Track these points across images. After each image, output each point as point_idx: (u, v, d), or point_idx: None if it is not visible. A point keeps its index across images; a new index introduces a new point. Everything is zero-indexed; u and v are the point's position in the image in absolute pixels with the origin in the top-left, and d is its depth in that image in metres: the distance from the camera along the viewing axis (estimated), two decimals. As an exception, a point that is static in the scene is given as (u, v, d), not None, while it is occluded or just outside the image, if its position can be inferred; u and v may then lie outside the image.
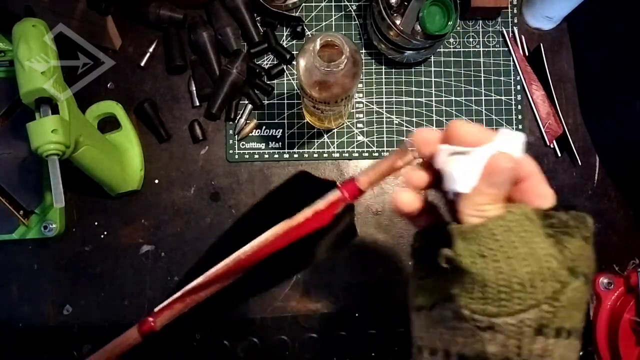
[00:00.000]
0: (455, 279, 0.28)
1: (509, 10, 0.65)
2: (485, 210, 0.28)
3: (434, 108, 0.65)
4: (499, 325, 0.26)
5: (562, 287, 0.26)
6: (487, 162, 0.28)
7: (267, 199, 0.37)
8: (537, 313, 0.26)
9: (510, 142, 0.29)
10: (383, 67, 0.65)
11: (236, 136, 0.64)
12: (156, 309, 0.35)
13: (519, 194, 0.30)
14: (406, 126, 0.64)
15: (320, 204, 0.33)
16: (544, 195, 0.30)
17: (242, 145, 0.64)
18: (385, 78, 0.65)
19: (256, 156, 0.64)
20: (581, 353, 0.62)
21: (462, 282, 0.27)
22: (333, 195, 0.33)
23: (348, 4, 0.65)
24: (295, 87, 0.65)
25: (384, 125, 0.64)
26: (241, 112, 0.64)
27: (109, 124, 0.64)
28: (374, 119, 0.64)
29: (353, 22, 0.65)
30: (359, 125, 0.64)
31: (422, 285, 0.32)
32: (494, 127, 0.64)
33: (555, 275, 0.26)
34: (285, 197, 0.36)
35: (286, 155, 0.64)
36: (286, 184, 0.36)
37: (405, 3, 0.57)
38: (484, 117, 0.64)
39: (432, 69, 0.65)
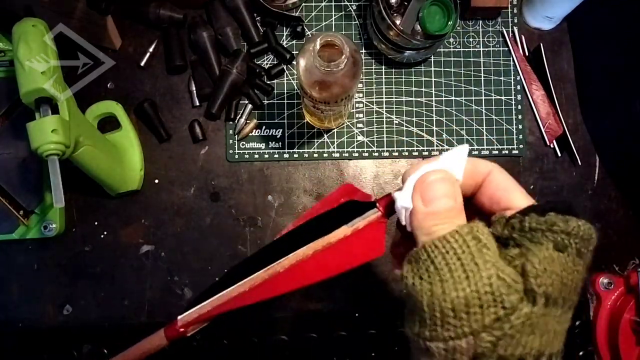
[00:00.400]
0: (406, 299, 0.28)
1: (509, 10, 0.65)
2: (434, 231, 0.26)
3: (434, 108, 0.65)
4: (432, 349, 0.25)
5: (508, 313, 0.24)
6: (415, 183, 0.28)
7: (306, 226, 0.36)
8: (470, 342, 0.24)
9: (451, 159, 0.28)
10: (383, 67, 0.65)
11: (236, 136, 0.64)
12: (183, 317, 0.35)
13: (487, 199, 0.29)
14: (406, 126, 0.64)
15: (360, 223, 0.31)
16: (516, 193, 0.28)
17: (242, 145, 0.64)
18: (385, 78, 0.65)
19: (256, 156, 0.64)
20: (581, 353, 0.62)
21: (408, 303, 0.27)
22: (373, 214, 0.31)
23: (348, 4, 0.65)
24: (295, 87, 0.65)
25: (384, 125, 0.64)
26: (241, 112, 0.64)
27: (109, 123, 0.64)
28: (374, 119, 0.64)
29: (353, 22, 0.65)
30: (359, 125, 0.64)
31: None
32: (494, 127, 0.64)
33: (498, 301, 0.24)
34: (324, 223, 0.34)
35: (286, 155, 0.64)
36: (328, 213, 0.35)
37: (405, 3, 0.57)
38: (483, 117, 0.64)
39: (432, 69, 0.65)
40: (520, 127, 0.64)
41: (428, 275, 0.25)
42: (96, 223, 0.63)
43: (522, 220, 0.26)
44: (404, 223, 0.29)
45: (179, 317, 0.35)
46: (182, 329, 0.35)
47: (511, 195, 0.28)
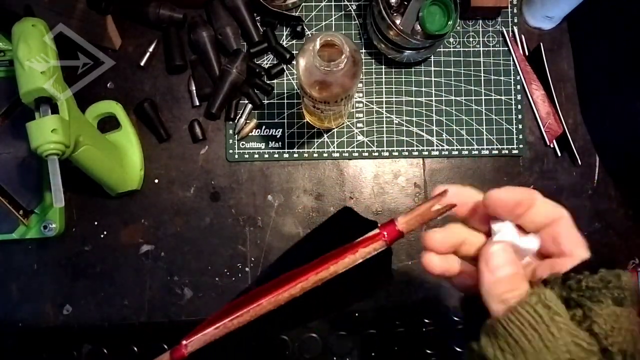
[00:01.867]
0: None
1: (509, 9, 0.65)
2: (507, 298, 0.27)
3: (434, 108, 0.64)
4: None
5: None
6: (483, 256, 0.28)
7: (309, 237, 0.36)
8: None
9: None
10: (383, 66, 0.65)
11: (236, 136, 0.64)
12: (189, 341, 0.35)
13: (548, 243, 0.30)
14: (406, 126, 0.64)
15: (359, 241, 0.32)
16: (577, 243, 0.29)
17: (242, 145, 0.64)
18: (385, 78, 0.65)
19: (256, 156, 0.64)
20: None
21: None
22: (372, 233, 0.32)
23: (348, 3, 0.65)
24: (295, 87, 0.65)
25: (384, 125, 0.64)
26: (241, 111, 0.64)
27: (108, 123, 0.64)
28: (374, 119, 0.64)
29: (353, 22, 0.65)
30: (359, 125, 0.64)
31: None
32: (494, 126, 0.64)
33: None
34: (326, 236, 0.35)
35: (286, 155, 0.64)
36: (328, 222, 0.35)
37: (405, 3, 0.57)
38: (483, 117, 0.64)
39: (432, 68, 0.65)
40: (520, 126, 0.64)
41: (509, 347, 0.26)
42: (96, 223, 0.63)
43: (579, 281, 0.27)
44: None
45: (185, 342, 0.35)
46: (184, 350, 0.35)
47: (571, 244, 0.29)
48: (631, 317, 0.26)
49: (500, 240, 0.29)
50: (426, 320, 0.62)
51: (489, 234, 0.31)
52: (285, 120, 0.64)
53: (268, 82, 0.64)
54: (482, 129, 0.64)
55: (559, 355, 0.25)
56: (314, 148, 0.64)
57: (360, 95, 0.65)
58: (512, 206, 0.29)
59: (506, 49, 0.65)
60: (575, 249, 0.29)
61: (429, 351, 0.62)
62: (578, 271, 0.27)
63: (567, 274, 0.28)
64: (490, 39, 0.65)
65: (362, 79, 0.65)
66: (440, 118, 0.64)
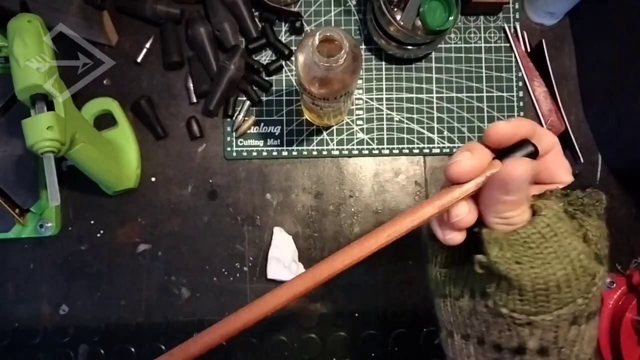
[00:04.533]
0: (488, 279, 0.29)
1: (511, 5, 0.65)
2: (510, 216, 0.28)
3: (434, 104, 0.64)
4: (537, 322, 0.28)
5: (593, 279, 0.28)
6: (501, 172, 0.28)
7: None
8: (572, 307, 0.28)
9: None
10: (383, 63, 0.64)
11: (234, 133, 0.63)
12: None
13: (541, 168, 0.31)
14: (406, 123, 0.64)
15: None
16: (564, 171, 0.32)
17: (240, 142, 0.63)
18: (385, 74, 0.64)
19: (254, 153, 0.63)
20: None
21: (497, 283, 0.28)
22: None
23: (347, -1, 0.64)
24: (294, 83, 0.64)
25: (384, 122, 0.64)
26: (239, 108, 0.63)
27: (105, 121, 0.63)
28: (374, 116, 0.64)
29: (353, 18, 0.65)
30: (359, 122, 0.64)
31: (444, 273, 0.33)
32: (495, 124, 0.64)
33: (586, 271, 0.28)
34: None
35: (285, 153, 0.63)
36: None
37: (406, -2, 0.57)
38: (485, 114, 0.64)
39: (433, 65, 0.64)
40: (521, 124, 0.64)
41: (528, 259, 0.27)
42: (92, 222, 0.62)
43: (578, 197, 0.30)
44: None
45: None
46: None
47: (559, 170, 0.32)
48: (603, 227, 0.30)
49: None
50: (426, 321, 0.61)
51: None
52: (284, 118, 0.64)
53: (266, 78, 0.64)
54: (484, 126, 0.64)
55: (575, 265, 0.27)
56: (313, 146, 0.63)
57: (360, 92, 0.64)
58: (512, 137, 0.30)
59: (508, 45, 0.64)
60: (565, 174, 0.32)
61: (428, 351, 0.61)
62: (573, 189, 0.31)
63: (568, 192, 0.31)
64: (492, 35, 0.65)
65: (362, 75, 0.64)
66: (441, 115, 0.64)
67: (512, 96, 0.64)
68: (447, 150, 0.63)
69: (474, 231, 0.30)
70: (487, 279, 0.29)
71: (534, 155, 0.30)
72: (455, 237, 0.30)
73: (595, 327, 0.30)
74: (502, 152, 0.30)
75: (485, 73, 0.64)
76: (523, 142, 0.30)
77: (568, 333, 0.28)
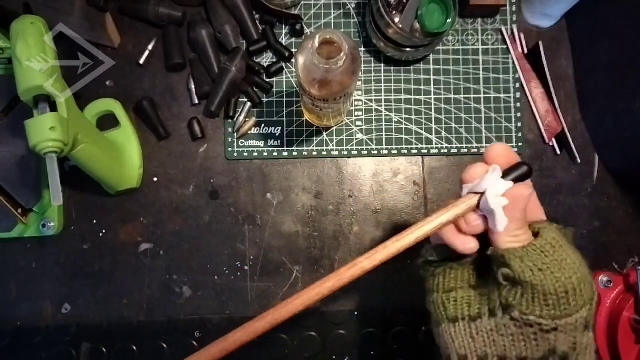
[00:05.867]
0: (509, 291, 0.33)
1: (508, 8, 0.65)
2: (518, 235, 0.33)
3: (432, 106, 0.64)
4: (562, 326, 0.31)
5: (592, 287, 0.32)
6: (511, 195, 0.33)
7: None
8: (585, 312, 0.32)
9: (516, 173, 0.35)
10: (382, 65, 0.65)
11: (235, 134, 0.64)
12: None
13: (527, 209, 0.35)
14: (405, 124, 0.64)
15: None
16: (541, 211, 0.37)
17: (241, 143, 0.64)
18: (384, 76, 0.65)
19: (255, 154, 0.64)
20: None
21: (520, 293, 0.32)
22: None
23: (347, 1, 0.65)
24: (295, 85, 0.65)
25: (383, 123, 0.64)
26: (240, 110, 0.64)
27: (107, 121, 0.63)
28: (373, 117, 0.64)
29: (352, 20, 0.65)
30: (358, 123, 0.64)
31: (453, 297, 0.36)
32: (493, 125, 0.64)
33: (589, 279, 0.32)
34: None
35: (285, 153, 0.64)
36: None
37: (404, 1, 0.57)
38: (482, 115, 0.64)
39: (431, 67, 0.65)
40: (519, 125, 0.64)
41: (547, 266, 0.31)
42: (95, 221, 0.63)
43: (559, 229, 0.35)
44: (499, 222, 0.34)
45: None
46: None
47: (538, 210, 0.37)
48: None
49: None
50: (425, 319, 0.62)
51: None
52: (285, 119, 0.64)
53: (267, 80, 0.64)
54: (481, 127, 0.64)
55: (583, 270, 0.32)
56: (313, 146, 0.64)
57: (360, 93, 0.65)
58: (507, 156, 0.35)
59: (505, 47, 0.65)
60: (542, 214, 0.37)
61: (428, 351, 0.61)
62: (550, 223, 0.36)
63: (549, 224, 0.36)
64: (489, 37, 0.65)
65: (361, 77, 0.65)
66: (440, 116, 0.64)
67: (510, 98, 0.65)
68: (445, 151, 0.64)
69: (487, 254, 0.35)
70: (509, 292, 0.33)
71: (530, 174, 0.35)
72: (473, 244, 0.35)
73: (593, 338, 0.33)
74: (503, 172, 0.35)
75: (483, 75, 0.65)
76: (518, 165, 0.35)
77: (583, 338, 0.32)
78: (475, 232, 0.35)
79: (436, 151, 0.64)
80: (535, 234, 0.35)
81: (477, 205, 0.34)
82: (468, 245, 0.35)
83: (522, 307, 0.32)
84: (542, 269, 0.31)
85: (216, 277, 0.62)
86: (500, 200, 0.33)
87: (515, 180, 0.34)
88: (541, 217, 0.37)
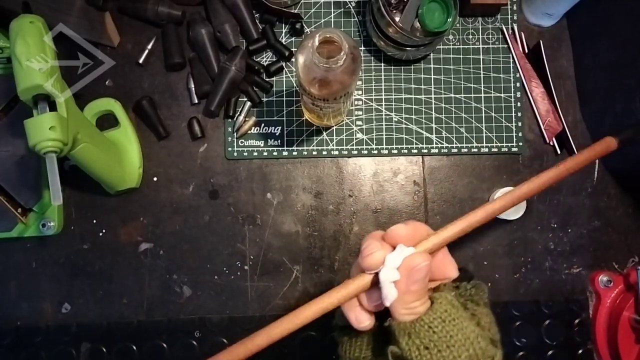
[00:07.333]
0: None
1: (509, 7, 0.65)
2: (415, 307, 0.31)
3: (433, 105, 0.64)
4: None
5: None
6: (404, 266, 0.31)
7: None
8: None
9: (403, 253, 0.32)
10: (382, 64, 0.65)
11: (235, 134, 0.64)
12: None
13: (434, 268, 0.34)
14: (405, 124, 0.64)
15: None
16: (452, 268, 0.35)
17: (241, 142, 0.64)
18: (384, 75, 0.65)
19: (255, 154, 0.64)
20: (581, 351, 0.62)
21: None
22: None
23: (347, 0, 0.65)
24: (294, 84, 0.64)
25: (384, 123, 0.64)
26: (240, 109, 0.64)
27: (107, 121, 0.63)
28: (373, 117, 0.64)
29: (352, 19, 0.65)
30: (358, 122, 0.64)
31: None
32: (493, 124, 0.64)
33: (486, 353, 0.30)
34: None
35: (285, 153, 0.64)
36: None
37: (405, 0, 0.57)
38: (483, 115, 0.64)
39: (432, 66, 0.65)
40: (519, 124, 0.64)
41: (434, 344, 0.30)
42: (95, 221, 0.63)
43: (466, 289, 0.34)
44: (386, 296, 0.32)
45: None
46: None
47: (448, 267, 0.35)
48: (490, 314, 0.34)
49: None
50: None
51: None
52: (285, 118, 0.64)
53: (267, 79, 0.64)
54: (482, 126, 0.64)
55: (475, 346, 0.30)
56: (313, 146, 0.64)
57: (360, 92, 0.65)
58: (409, 238, 0.33)
59: (506, 46, 0.65)
60: (453, 270, 0.35)
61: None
62: (460, 282, 0.35)
63: (457, 285, 0.35)
64: (490, 36, 0.65)
65: (362, 76, 0.65)
66: (440, 116, 0.64)
67: (510, 97, 0.64)
68: (445, 150, 0.64)
69: (384, 325, 0.33)
70: None
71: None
72: (367, 322, 0.33)
73: None
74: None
75: (483, 74, 0.65)
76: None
77: None
78: (377, 310, 0.33)
79: (436, 151, 0.64)
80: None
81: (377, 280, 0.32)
82: (362, 322, 0.33)
83: None
84: (428, 347, 0.30)
85: (216, 277, 0.62)
86: (391, 274, 0.31)
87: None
88: (451, 275, 0.35)
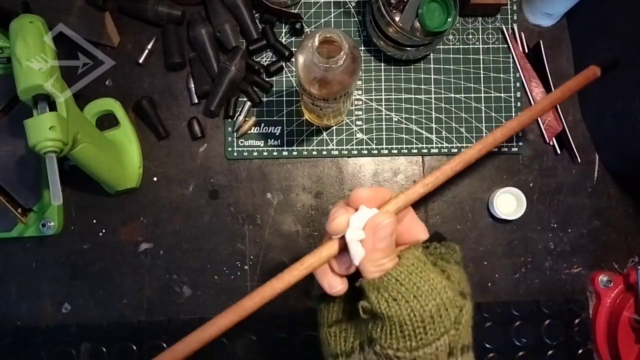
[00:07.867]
0: (373, 324, 0.32)
1: (509, 7, 0.65)
2: (383, 264, 0.32)
3: (433, 105, 0.64)
4: (420, 356, 0.30)
5: (460, 311, 0.31)
6: (368, 225, 0.32)
7: None
8: (447, 338, 0.30)
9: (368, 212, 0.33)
10: (382, 64, 0.65)
11: (235, 133, 0.64)
12: None
13: (402, 231, 0.35)
14: (405, 123, 0.64)
15: None
16: (421, 229, 0.36)
17: (241, 142, 0.64)
18: (384, 75, 0.65)
19: (255, 154, 0.64)
20: (581, 350, 0.62)
21: (380, 326, 0.31)
22: None
23: (347, 0, 0.65)
24: (294, 84, 0.64)
25: (383, 123, 0.64)
26: (240, 109, 0.64)
27: (107, 121, 0.63)
28: (373, 117, 0.64)
29: (352, 19, 0.65)
30: (358, 122, 0.64)
31: (333, 332, 0.36)
32: (493, 124, 0.64)
33: (453, 303, 0.31)
34: None
35: (285, 153, 0.64)
36: None
37: (405, 0, 0.57)
38: (483, 114, 0.64)
39: (432, 66, 0.65)
40: (519, 124, 0.64)
41: (402, 295, 0.30)
42: (95, 221, 0.63)
43: (435, 247, 0.36)
44: (354, 256, 0.32)
45: None
46: None
47: (416, 229, 0.36)
48: (462, 271, 0.35)
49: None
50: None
51: None
52: (284, 118, 0.64)
53: (267, 79, 0.64)
54: (482, 126, 0.64)
55: (442, 296, 0.31)
56: (313, 146, 0.64)
57: (360, 92, 0.65)
58: (372, 200, 0.34)
59: (506, 46, 0.65)
60: (422, 233, 0.36)
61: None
62: (431, 242, 0.36)
63: (426, 245, 0.36)
64: (490, 36, 0.65)
65: (362, 76, 0.65)
66: (440, 115, 0.64)
67: (510, 97, 0.64)
68: (445, 150, 0.64)
69: (356, 285, 0.33)
70: (372, 325, 0.32)
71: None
72: (340, 287, 0.34)
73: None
74: None
75: (484, 74, 0.65)
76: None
77: None
78: (349, 272, 0.34)
79: (436, 151, 0.64)
80: None
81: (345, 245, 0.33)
82: (335, 287, 0.34)
83: (382, 341, 0.31)
84: (396, 299, 0.30)
85: (216, 277, 0.62)
86: (356, 233, 0.32)
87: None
88: (420, 237, 0.36)
